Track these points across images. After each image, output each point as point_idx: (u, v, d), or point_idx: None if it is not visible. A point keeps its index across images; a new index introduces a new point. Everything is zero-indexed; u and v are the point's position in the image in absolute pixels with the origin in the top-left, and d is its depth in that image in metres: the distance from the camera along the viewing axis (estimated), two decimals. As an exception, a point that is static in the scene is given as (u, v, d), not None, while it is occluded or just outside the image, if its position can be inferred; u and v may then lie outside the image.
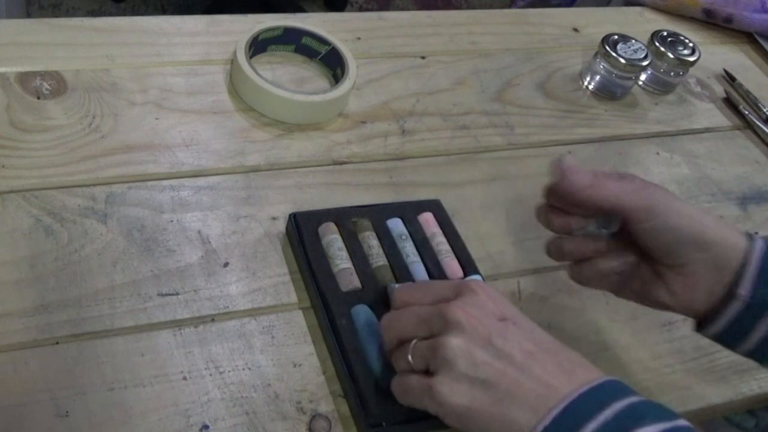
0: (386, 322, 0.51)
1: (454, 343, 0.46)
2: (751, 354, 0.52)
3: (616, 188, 0.51)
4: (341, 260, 0.59)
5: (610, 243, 0.55)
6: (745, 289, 0.49)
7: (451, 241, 0.63)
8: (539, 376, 0.44)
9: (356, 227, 0.62)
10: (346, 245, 0.60)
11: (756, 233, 0.52)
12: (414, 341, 0.48)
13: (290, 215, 0.61)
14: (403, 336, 0.49)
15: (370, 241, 0.61)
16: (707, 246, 0.50)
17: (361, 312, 0.56)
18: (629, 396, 0.44)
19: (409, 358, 0.48)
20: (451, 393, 0.46)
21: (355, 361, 0.54)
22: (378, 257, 0.60)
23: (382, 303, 0.57)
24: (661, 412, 0.43)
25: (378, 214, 0.63)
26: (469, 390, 0.45)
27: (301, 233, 0.60)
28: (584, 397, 0.43)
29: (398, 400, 0.50)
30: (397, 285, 0.56)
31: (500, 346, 0.46)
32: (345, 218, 0.62)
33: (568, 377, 0.45)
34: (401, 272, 0.60)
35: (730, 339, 0.52)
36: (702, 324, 0.53)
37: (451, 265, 0.61)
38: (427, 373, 0.47)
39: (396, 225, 0.63)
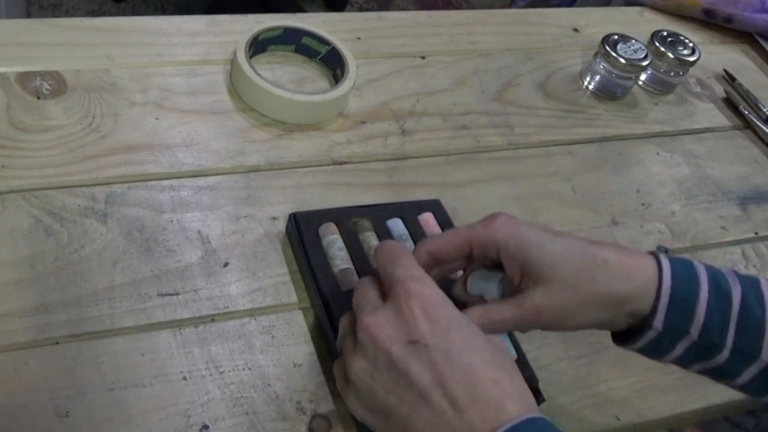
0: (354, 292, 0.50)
1: (356, 366, 0.44)
2: (672, 363, 0.50)
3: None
4: (342, 260, 0.59)
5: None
6: (659, 321, 0.47)
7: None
8: (435, 412, 0.41)
9: (357, 227, 0.62)
10: (346, 245, 0.60)
11: (695, 262, 0.50)
12: (343, 333, 0.49)
13: (290, 215, 0.61)
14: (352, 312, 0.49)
15: (371, 242, 0.61)
16: (618, 307, 0.48)
17: (361, 312, 0.56)
18: None
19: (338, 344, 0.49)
20: (355, 408, 0.46)
21: (355, 361, 0.54)
22: (378, 257, 0.60)
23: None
24: None
25: (378, 214, 0.63)
26: (370, 412, 0.45)
27: (301, 233, 0.60)
28: None
29: None
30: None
31: (402, 371, 0.42)
32: (345, 218, 0.62)
33: (475, 414, 0.40)
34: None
35: (649, 355, 0.50)
36: (616, 337, 0.51)
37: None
38: None
39: (396, 225, 0.63)
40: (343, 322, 0.50)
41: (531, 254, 0.47)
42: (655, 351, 0.49)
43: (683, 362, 0.49)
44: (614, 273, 0.47)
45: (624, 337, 0.50)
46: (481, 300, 0.51)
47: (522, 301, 0.48)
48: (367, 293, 0.48)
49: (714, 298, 0.47)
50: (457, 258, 0.51)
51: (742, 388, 0.49)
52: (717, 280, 0.48)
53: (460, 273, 0.54)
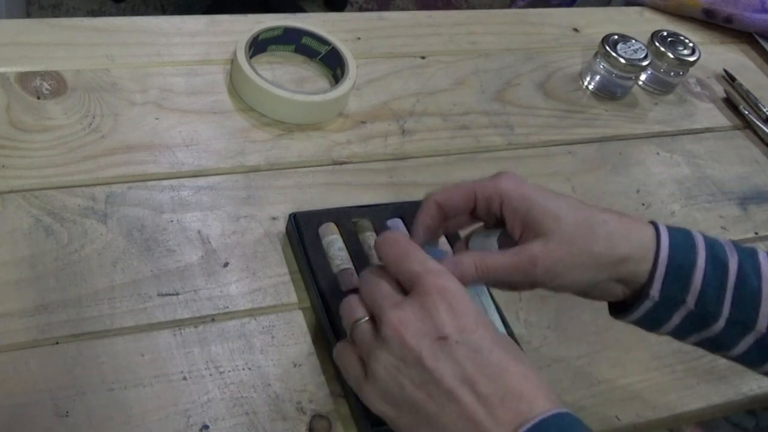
0: (363, 281, 0.48)
1: (383, 359, 0.43)
2: (669, 334, 0.50)
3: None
4: (341, 260, 0.59)
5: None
6: (655, 291, 0.47)
7: (451, 241, 0.63)
8: (464, 410, 0.41)
9: (356, 227, 0.62)
10: (346, 245, 0.60)
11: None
12: (361, 319, 0.46)
13: (290, 215, 0.61)
14: (364, 301, 0.47)
15: (371, 242, 0.61)
16: (616, 267, 0.48)
17: (361, 312, 0.56)
18: None
19: (348, 333, 0.47)
20: (377, 403, 0.45)
21: (355, 361, 0.54)
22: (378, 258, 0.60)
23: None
24: None
25: (378, 214, 0.63)
26: (394, 407, 0.44)
27: (301, 233, 0.60)
28: None
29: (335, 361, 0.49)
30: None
31: (431, 368, 0.42)
32: (345, 218, 0.62)
33: (505, 409, 0.40)
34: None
35: (645, 327, 0.51)
36: (613, 309, 0.52)
37: (451, 265, 0.61)
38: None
39: (396, 225, 0.63)
40: (355, 311, 0.47)
41: (533, 207, 0.48)
42: (652, 322, 0.49)
43: (679, 333, 0.49)
44: (613, 232, 0.48)
45: (620, 308, 0.50)
46: None
47: (519, 250, 0.48)
48: (381, 285, 0.46)
49: (711, 266, 0.47)
50: (461, 210, 0.51)
51: (737, 359, 0.50)
52: (714, 249, 0.48)
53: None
